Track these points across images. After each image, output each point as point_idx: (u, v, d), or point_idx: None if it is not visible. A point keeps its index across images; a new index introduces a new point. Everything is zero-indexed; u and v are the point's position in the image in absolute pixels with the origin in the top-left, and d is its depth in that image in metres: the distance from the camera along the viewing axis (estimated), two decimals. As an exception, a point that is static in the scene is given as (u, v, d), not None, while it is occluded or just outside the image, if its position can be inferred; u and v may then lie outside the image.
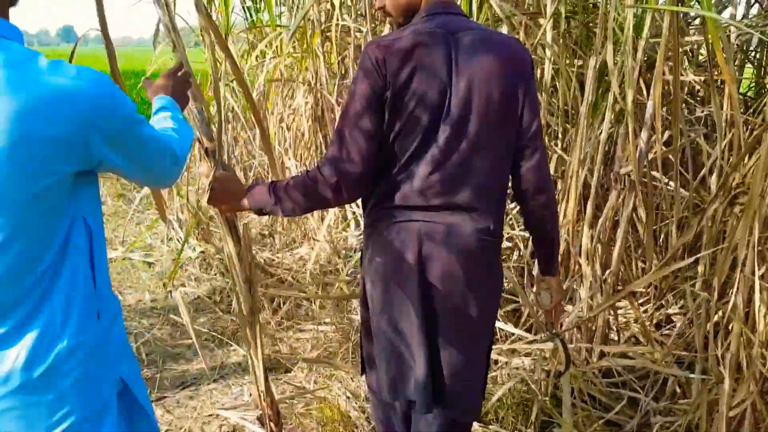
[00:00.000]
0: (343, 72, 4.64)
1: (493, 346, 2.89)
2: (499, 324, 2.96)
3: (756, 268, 1.90)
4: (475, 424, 2.40)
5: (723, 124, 3.04)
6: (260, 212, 1.63)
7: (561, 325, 2.88)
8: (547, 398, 2.53)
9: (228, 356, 3.13)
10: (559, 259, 2.98)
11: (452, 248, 1.55)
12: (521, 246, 3.31)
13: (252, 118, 5.61)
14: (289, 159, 4.58)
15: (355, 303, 3.48)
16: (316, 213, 4.48)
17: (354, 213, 4.41)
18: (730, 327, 2.10)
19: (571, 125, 3.39)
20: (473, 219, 1.55)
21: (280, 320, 3.43)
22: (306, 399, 2.66)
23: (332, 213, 4.48)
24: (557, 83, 3.28)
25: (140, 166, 1.26)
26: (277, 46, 4.84)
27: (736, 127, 2.27)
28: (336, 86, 4.53)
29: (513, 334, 2.94)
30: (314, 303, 3.46)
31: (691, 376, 2.27)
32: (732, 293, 2.02)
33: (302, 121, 4.59)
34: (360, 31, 4.23)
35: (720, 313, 2.26)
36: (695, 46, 3.80)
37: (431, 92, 1.49)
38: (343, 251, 4.18)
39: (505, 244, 3.40)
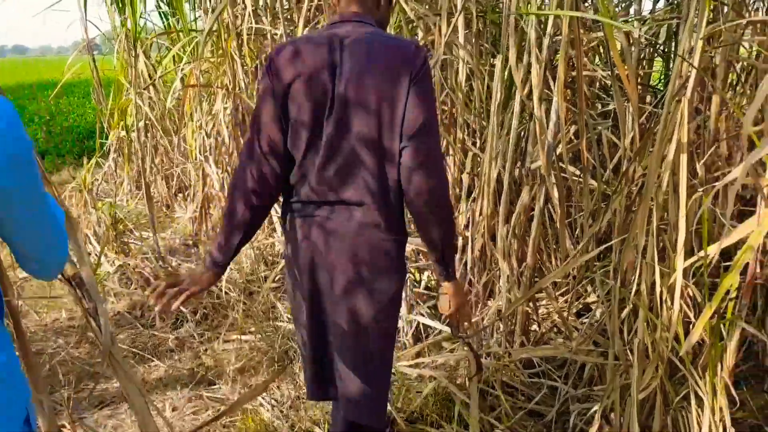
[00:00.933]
0: (261, 76, 4.58)
1: (420, 343, 2.92)
2: (424, 320, 2.98)
3: (655, 254, 1.97)
4: (400, 421, 2.40)
5: (628, 116, 3.16)
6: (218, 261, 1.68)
7: (474, 327, 2.93)
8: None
9: (150, 372, 3.04)
10: (477, 255, 3.04)
11: (339, 243, 1.60)
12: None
13: (170, 126, 5.49)
14: (210, 166, 4.49)
15: (281, 310, 3.44)
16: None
17: (280, 218, 4.36)
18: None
19: (487, 123, 3.45)
20: (361, 214, 1.59)
21: (203, 332, 3.35)
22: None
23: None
24: (472, 83, 3.33)
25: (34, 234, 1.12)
26: (191, 51, 4.74)
27: (634, 120, 2.36)
28: (256, 90, 4.47)
29: (440, 331, 2.96)
30: (238, 312, 3.40)
31: (604, 362, 2.33)
32: (635, 279, 2.09)
33: (222, 126, 4.51)
34: (276, 34, 4.19)
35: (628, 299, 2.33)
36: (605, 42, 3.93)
37: (314, 94, 1.54)
38: (270, 257, 4.13)
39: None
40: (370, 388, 1.68)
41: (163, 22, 5.84)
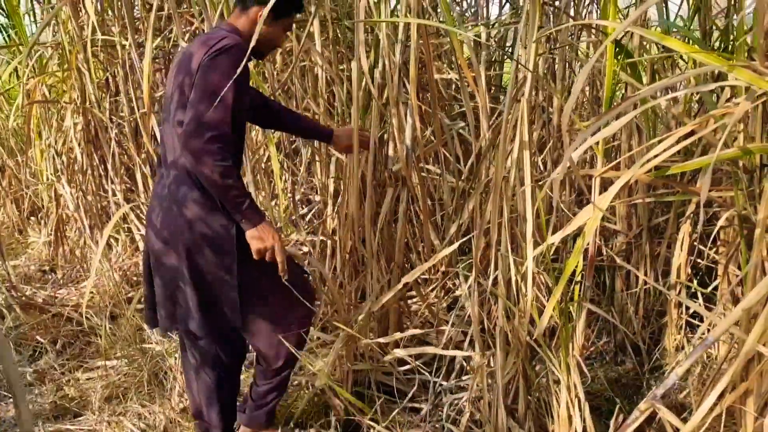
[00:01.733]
0: (115, 89, 4.38)
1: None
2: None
3: (508, 246, 2.08)
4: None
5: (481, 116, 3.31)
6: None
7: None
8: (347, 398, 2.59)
9: (7, 410, 2.82)
10: (347, 257, 3.07)
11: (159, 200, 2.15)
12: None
13: (20, 144, 5.13)
14: (63, 186, 4.23)
15: (149, 332, 3.30)
16: (101, 242, 4.19)
17: (142, 236, 4.19)
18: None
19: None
20: (172, 178, 2.10)
21: (64, 362, 3.15)
22: (96, 443, 2.48)
23: (120, 240, 4.23)
24: (333, 88, 3.37)
25: None
26: (34, 65, 4.44)
27: (485, 120, 2.48)
28: (108, 104, 4.27)
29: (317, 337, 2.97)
30: (102, 338, 3.22)
31: (468, 354, 2.43)
32: (492, 270, 2.20)
33: (74, 144, 4.26)
34: (125, 44, 4.02)
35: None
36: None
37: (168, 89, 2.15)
38: (134, 278, 3.96)
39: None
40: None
41: (2, 35, 5.44)
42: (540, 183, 2.13)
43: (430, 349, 2.57)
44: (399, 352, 2.55)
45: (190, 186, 2.05)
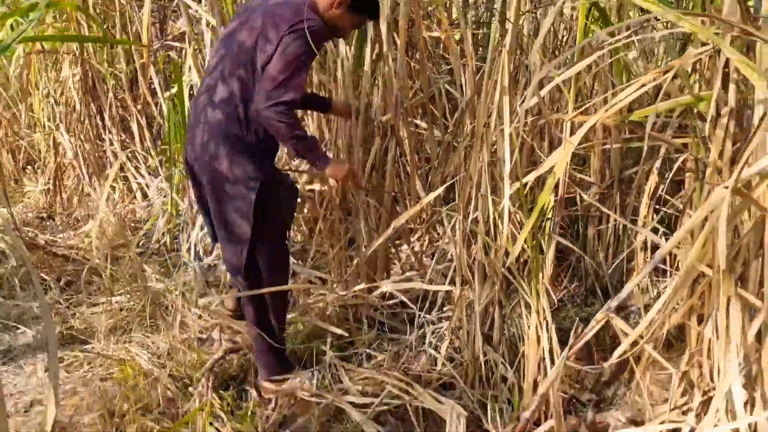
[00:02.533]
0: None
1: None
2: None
3: (488, 187, 2.28)
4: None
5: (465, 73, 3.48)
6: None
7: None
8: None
9: (16, 339, 3.02)
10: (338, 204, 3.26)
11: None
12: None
13: (15, 95, 5.22)
14: (62, 135, 4.36)
15: (149, 272, 3.49)
16: (98, 188, 4.35)
17: (139, 184, 4.36)
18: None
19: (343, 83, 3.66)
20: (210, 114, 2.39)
21: (69, 297, 3.34)
22: (105, 365, 2.68)
23: (117, 188, 4.39)
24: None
25: None
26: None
27: (468, 73, 2.66)
28: (106, 56, 4.39)
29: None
30: (105, 277, 3.40)
31: (448, 288, 2.65)
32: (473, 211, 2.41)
33: (73, 93, 4.39)
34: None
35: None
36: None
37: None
38: (132, 224, 4.13)
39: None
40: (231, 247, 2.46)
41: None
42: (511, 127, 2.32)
43: (414, 284, 2.79)
44: (386, 286, 2.77)
45: (222, 133, 2.34)
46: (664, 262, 3.04)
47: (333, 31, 2.46)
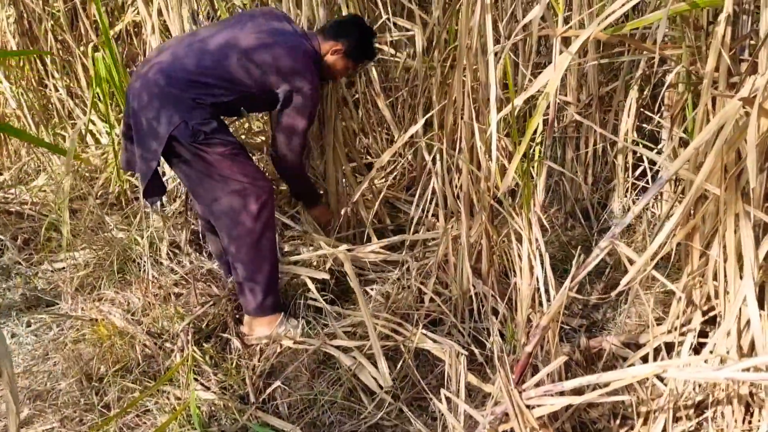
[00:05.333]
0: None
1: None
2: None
3: (473, 113, 2.16)
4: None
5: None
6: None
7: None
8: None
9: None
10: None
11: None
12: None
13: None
14: (1, 83, 4.04)
15: (111, 222, 3.30)
16: (47, 138, 4.08)
17: (90, 131, 4.10)
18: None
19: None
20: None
21: (28, 257, 3.15)
22: (76, 326, 2.54)
23: (67, 136, 4.12)
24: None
25: None
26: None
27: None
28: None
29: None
30: (66, 232, 3.21)
31: (435, 234, 2.55)
32: (457, 140, 2.29)
33: (9, 37, 4.04)
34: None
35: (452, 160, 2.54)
36: None
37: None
38: (87, 174, 3.90)
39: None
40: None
41: None
42: (498, 48, 2.17)
43: (401, 236, 2.72)
44: (372, 246, 2.69)
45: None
46: (643, 177, 3.00)
47: (328, 73, 2.61)
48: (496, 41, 2.53)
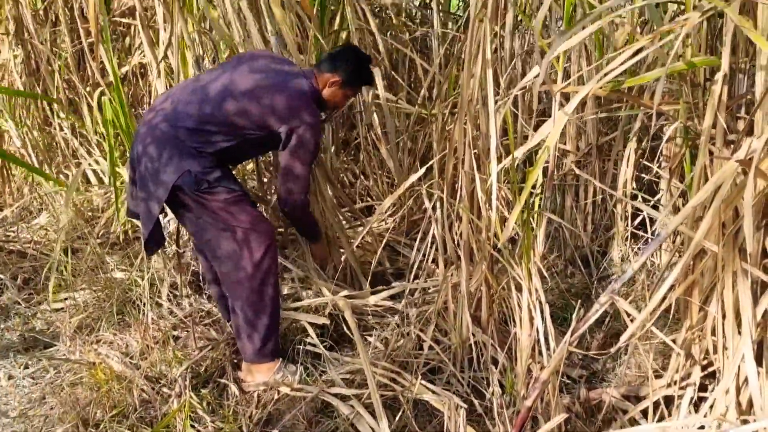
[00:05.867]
0: (53, 19, 4.22)
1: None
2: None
3: (474, 163, 2.18)
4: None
5: (435, 42, 3.36)
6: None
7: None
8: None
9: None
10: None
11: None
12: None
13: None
14: (7, 121, 4.09)
15: (111, 263, 3.31)
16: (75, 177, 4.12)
17: (94, 171, 4.13)
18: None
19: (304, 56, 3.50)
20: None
21: (28, 296, 3.15)
22: (74, 369, 2.52)
23: (70, 175, 4.15)
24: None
25: None
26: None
27: (444, 43, 2.54)
28: (49, 34, 4.11)
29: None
30: (66, 271, 3.22)
31: (436, 282, 2.56)
32: (458, 188, 2.31)
33: (15, 77, 4.11)
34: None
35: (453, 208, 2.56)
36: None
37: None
38: (89, 213, 3.91)
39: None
40: None
41: None
42: (500, 103, 2.21)
43: (401, 285, 2.74)
44: (372, 299, 2.71)
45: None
46: (642, 226, 3.02)
47: (329, 104, 2.62)
48: (496, 92, 2.57)
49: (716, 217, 1.50)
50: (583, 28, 1.75)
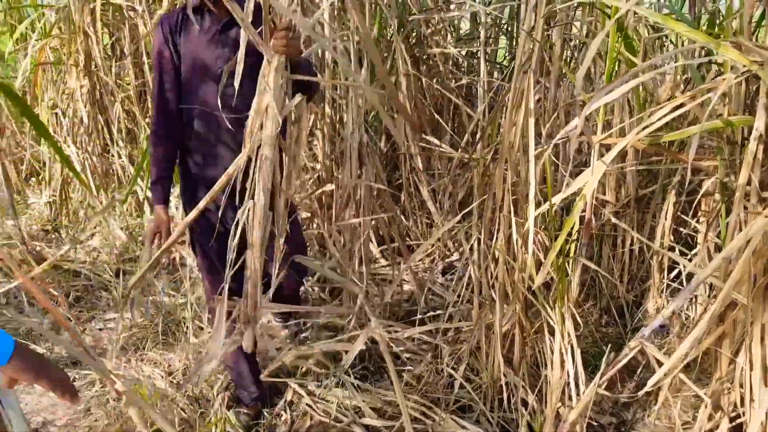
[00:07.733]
0: (119, 53, 4.48)
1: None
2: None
3: (511, 208, 2.26)
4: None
5: (481, 89, 3.48)
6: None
7: None
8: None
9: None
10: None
11: None
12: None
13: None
14: (69, 147, 4.33)
15: (159, 287, 3.45)
16: (104, 201, 4.33)
17: (148, 198, 4.32)
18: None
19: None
20: None
21: (78, 314, 3.30)
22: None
23: (126, 201, 4.35)
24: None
25: None
26: (41, 28, 4.51)
27: (489, 92, 2.65)
28: (112, 68, 4.36)
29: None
30: (115, 292, 3.37)
31: (470, 306, 2.62)
32: (495, 231, 2.39)
33: (79, 105, 4.35)
34: (134, 9, 4.11)
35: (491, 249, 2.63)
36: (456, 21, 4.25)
37: None
38: (140, 237, 4.09)
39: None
40: None
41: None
42: (540, 151, 2.30)
43: (436, 324, 2.79)
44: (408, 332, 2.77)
45: None
46: (677, 278, 3.03)
47: None
48: (538, 140, 2.66)
49: (746, 268, 1.55)
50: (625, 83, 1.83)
